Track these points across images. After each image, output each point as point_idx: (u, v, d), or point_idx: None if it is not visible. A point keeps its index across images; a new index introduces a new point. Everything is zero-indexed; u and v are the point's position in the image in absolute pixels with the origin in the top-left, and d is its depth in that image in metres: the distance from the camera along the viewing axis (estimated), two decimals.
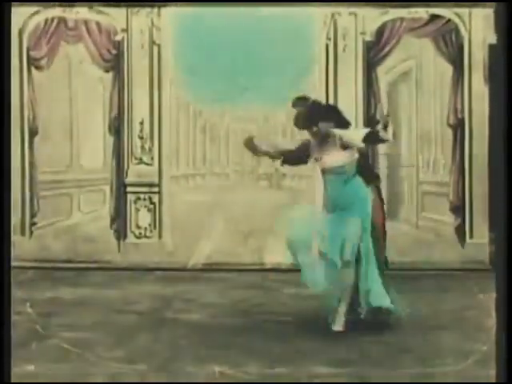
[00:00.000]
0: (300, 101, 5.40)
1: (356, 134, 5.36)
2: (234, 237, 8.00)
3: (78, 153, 8.14)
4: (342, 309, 5.33)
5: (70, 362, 4.63)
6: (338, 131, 5.28)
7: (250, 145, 5.53)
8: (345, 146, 5.25)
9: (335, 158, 5.29)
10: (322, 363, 4.57)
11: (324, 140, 5.32)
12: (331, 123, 5.30)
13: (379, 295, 5.33)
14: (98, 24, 8.02)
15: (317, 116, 5.32)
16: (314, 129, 5.32)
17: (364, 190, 5.38)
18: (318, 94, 8.03)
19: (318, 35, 8.00)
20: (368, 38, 7.99)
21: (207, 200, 8.07)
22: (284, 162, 5.62)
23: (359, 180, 5.37)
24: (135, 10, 7.99)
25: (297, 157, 5.54)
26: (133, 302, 6.30)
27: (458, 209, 7.98)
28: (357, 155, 5.38)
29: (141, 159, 8.05)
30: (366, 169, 5.54)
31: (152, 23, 7.99)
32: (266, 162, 8.22)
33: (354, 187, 5.35)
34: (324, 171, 5.36)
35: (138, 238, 8.05)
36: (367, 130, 5.42)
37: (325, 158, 5.30)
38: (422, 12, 7.96)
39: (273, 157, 5.63)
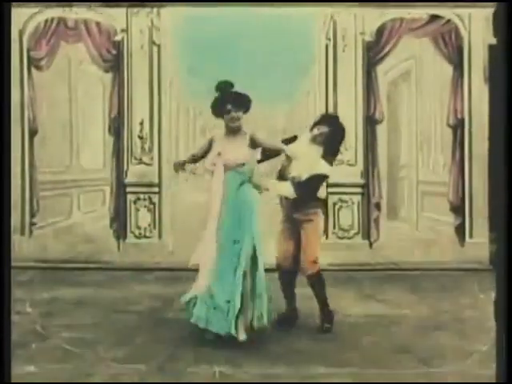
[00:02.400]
0: (222, 85, 5.30)
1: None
2: None
3: (77, 153, 8.14)
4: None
5: (70, 362, 4.63)
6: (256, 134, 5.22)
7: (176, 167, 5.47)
8: (254, 145, 5.19)
9: (239, 154, 5.18)
10: (321, 363, 4.59)
11: (233, 133, 5.22)
12: (243, 114, 5.22)
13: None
14: (97, 24, 8.02)
15: (231, 103, 5.18)
16: (233, 114, 5.17)
17: (256, 197, 5.25)
18: (318, 94, 8.06)
19: (317, 35, 8.00)
20: (368, 38, 7.99)
21: (207, 200, 8.05)
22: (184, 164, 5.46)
23: (253, 189, 5.26)
24: (135, 10, 7.99)
25: (200, 156, 5.40)
26: (133, 302, 6.30)
27: (457, 209, 7.99)
28: (258, 157, 5.34)
29: (141, 159, 8.05)
30: (329, 143, 5.39)
31: (152, 23, 7.99)
32: (266, 161, 8.23)
33: (247, 191, 5.21)
34: (225, 167, 5.18)
35: (137, 237, 8.05)
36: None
37: (229, 152, 5.18)
38: (421, 12, 7.96)
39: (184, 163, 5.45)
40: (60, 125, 8.05)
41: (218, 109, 5.26)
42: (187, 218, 8.01)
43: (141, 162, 8.05)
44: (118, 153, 8.07)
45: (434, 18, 7.97)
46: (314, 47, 8.04)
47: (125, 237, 8.05)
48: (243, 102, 5.22)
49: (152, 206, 8.06)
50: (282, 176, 5.48)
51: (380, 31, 8.01)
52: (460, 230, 7.97)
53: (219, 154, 5.16)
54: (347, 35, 7.99)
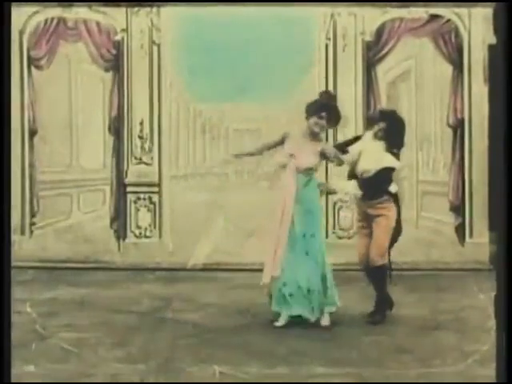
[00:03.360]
0: (327, 93, 5.90)
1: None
2: (234, 237, 8.00)
3: (77, 153, 8.14)
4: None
5: (70, 362, 4.63)
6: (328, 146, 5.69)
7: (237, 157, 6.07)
8: (323, 156, 5.57)
9: (310, 160, 5.53)
10: (321, 363, 4.59)
11: (311, 137, 5.55)
12: (327, 125, 5.61)
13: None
14: (97, 24, 8.02)
15: (327, 112, 5.51)
16: (316, 120, 5.50)
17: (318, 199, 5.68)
18: (317, 94, 8.05)
19: (317, 35, 8.00)
20: (368, 37, 7.99)
21: (207, 200, 8.07)
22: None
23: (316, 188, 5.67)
24: (135, 9, 7.99)
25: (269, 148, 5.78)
26: (133, 302, 6.30)
27: (457, 208, 7.99)
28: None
29: (141, 159, 8.05)
30: (391, 137, 5.66)
31: (152, 23, 7.99)
32: (266, 161, 8.23)
33: (313, 190, 5.60)
34: (296, 169, 5.52)
35: (137, 237, 8.05)
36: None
37: (302, 157, 5.52)
38: (421, 12, 7.96)
39: (252, 154, 5.90)
40: (60, 124, 8.05)
41: (314, 110, 5.54)
42: (187, 217, 8.01)
43: (141, 161, 8.05)
44: (118, 152, 8.07)
45: (434, 17, 7.97)
46: (314, 47, 8.04)
47: (125, 237, 8.05)
48: (336, 117, 5.56)
49: (152, 206, 8.06)
50: (351, 175, 5.75)
51: (380, 31, 8.01)
52: (460, 230, 7.97)
53: (292, 155, 5.51)
54: (347, 35, 8.00)
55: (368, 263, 5.71)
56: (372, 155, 5.61)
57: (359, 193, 5.67)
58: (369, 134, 5.75)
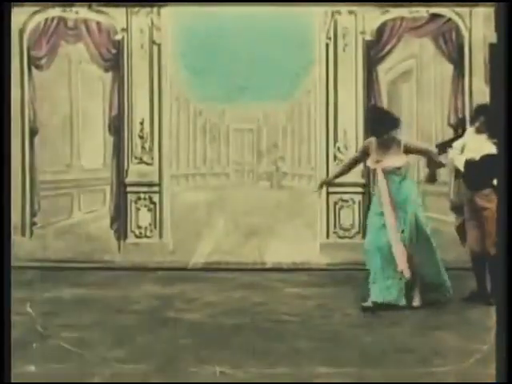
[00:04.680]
0: (372, 111, 6.77)
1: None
2: (235, 236, 8.00)
3: (78, 152, 8.14)
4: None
5: (70, 362, 4.63)
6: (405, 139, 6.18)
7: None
8: (409, 151, 6.13)
9: (396, 161, 6.08)
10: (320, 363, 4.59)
11: (388, 144, 6.09)
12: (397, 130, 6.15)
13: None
14: (97, 24, 8.02)
15: (385, 127, 6.11)
16: (385, 136, 6.09)
17: (415, 189, 6.27)
18: (318, 94, 8.05)
19: (318, 35, 7.99)
20: (368, 37, 7.99)
21: (207, 200, 8.07)
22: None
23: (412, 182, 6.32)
24: (135, 9, 7.99)
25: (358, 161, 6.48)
26: (133, 302, 6.29)
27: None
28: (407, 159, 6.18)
29: (141, 159, 8.05)
30: (492, 128, 6.03)
31: (152, 23, 7.99)
32: (266, 161, 8.23)
33: (406, 188, 6.13)
34: (384, 171, 6.07)
35: (138, 237, 8.05)
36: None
37: (386, 160, 6.07)
38: (422, 11, 7.95)
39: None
40: (60, 124, 8.05)
41: (374, 132, 6.20)
42: (187, 217, 8.01)
43: (141, 161, 8.05)
44: (118, 152, 8.07)
45: (435, 16, 7.96)
46: (315, 46, 8.04)
47: (125, 236, 8.05)
48: (394, 125, 6.14)
49: (152, 206, 8.05)
50: (456, 173, 6.37)
51: (380, 30, 8.00)
52: (461, 230, 7.95)
53: (378, 161, 6.09)
54: (348, 34, 7.99)
55: (482, 253, 6.19)
56: (476, 145, 6.08)
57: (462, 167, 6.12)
58: (471, 130, 6.29)
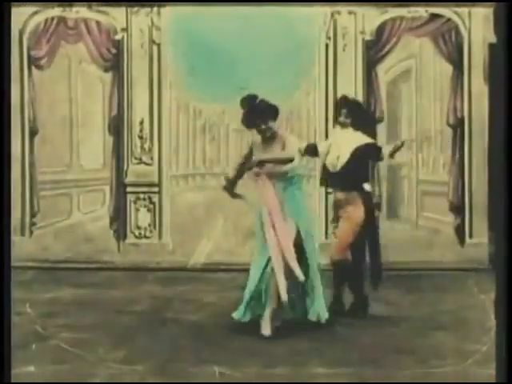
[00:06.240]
0: (246, 100, 5.38)
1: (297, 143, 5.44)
2: (234, 236, 8.00)
3: (77, 152, 8.14)
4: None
5: (70, 363, 4.63)
6: (287, 135, 5.37)
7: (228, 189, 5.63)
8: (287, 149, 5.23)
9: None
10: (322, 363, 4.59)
11: (270, 141, 5.30)
12: (274, 123, 5.31)
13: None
14: (97, 23, 8.02)
15: (262, 114, 5.29)
16: (263, 126, 5.27)
17: (303, 198, 5.39)
18: (317, 94, 8.05)
19: (318, 35, 8.00)
20: (368, 37, 7.99)
21: (207, 200, 8.06)
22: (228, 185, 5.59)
23: (298, 190, 5.37)
24: (135, 9, 7.98)
25: (243, 167, 5.50)
26: (133, 302, 6.29)
27: (457, 208, 7.98)
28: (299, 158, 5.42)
29: (141, 159, 8.05)
30: (361, 117, 5.74)
31: (152, 23, 7.99)
32: None
33: (297, 193, 5.34)
34: (268, 175, 5.27)
35: (137, 238, 8.05)
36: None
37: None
38: (421, 11, 7.96)
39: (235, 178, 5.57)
40: (60, 124, 8.05)
41: (248, 124, 5.34)
42: (187, 218, 8.01)
43: (141, 161, 8.05)
44: (117, 152, 8.07)
45: (434, 16, 7.97)
46: (314, 46, 8.04)
47: (125, 237, 8.05)
48: (270, 113, 5.30)
49: (152, 206, 8.05)
50: (324, 171, 5.78)
51: (380, 30, 8.00)
52: (460, 230, 7.96)
53: (260, 162, 5.24)
54: (347, 34, 7.99)
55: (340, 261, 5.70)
56: (344, 141, 5.65)
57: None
58: (336, 128, 5.84)
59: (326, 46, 8.01)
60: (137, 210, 8.04)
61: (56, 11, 7.99)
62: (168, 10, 7.99)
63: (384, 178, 8.04)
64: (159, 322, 5.63)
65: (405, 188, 8.18)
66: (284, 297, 5.09)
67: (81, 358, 4.73)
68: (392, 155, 5.74)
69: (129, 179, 8.04)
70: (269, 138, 5.31)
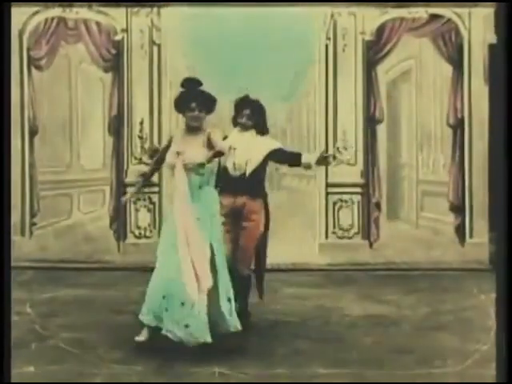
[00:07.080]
0: (190, 81, 5.05)
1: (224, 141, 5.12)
2: None
3: (78, 152, 8.14)
4: None
5: (70, 363, 4.63)
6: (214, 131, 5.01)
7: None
8: (210, 145, 4.90)
9: (198, 154, 4.89)
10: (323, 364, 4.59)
11: (194, 132, 4.99)
12: (206, 116, 5.02)
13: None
14: (97, 24, 8.02)
15: (201, 100, 4.97)
16: (196, 112, 4.95)
17: (216, 204, 5.04)
18: (317, 94, 8.05)
19: (317, 35, 8.00)
20: (368, 37, 7.99)
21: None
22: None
23: (213, 191, 5.09)
24: (135, 9, 7.99)
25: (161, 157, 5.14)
26: (133, 302, 6.29)
27: (457, 208, 7.99)
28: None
29: (141, 159, 8.05)
30: (264, 121, 5.41)
31: (152, 23, 7.99)
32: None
33: (208, 196, 5.01)
34: (185, 167, 4.88)
35: (137, 238, 8.05)
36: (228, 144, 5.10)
37: (187, 152, 4.89)
38: (421, 12, 7.96)
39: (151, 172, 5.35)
40: (60, 124, 8.05)
41: (182, 105, 5.02)
42: None
43: (141, 161, 8.05)
44: (117, 152, 8.07)
45: (434, 17, 7.97)
46: (314, 47, 8.04)
47: (125, 237, 8.05)
48: (208, 103, 5.01)
49: (152, 206, 8.05)
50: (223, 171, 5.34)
51: (380, 31, 8.01)
52: (460, 230, 7.97)
53: (178, 153, 4.88)
54: (347, 35, 8.00)
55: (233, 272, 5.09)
56: (252, 145, 5.30)
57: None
58: (234, 130, 5.41)
59: (326, 46, 8.02)
60: (137, 210, 8.04)
61: (56, 11, 8.00)
62: (168, 11, 8.00)
63: (384, 178, 8.04)
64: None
65: (405, 188, 8.19)
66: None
67: (80, 357, 4.73)
68: (321, 163, 5.36)
69: (129, 179, 8.04)
70: (193, 128, 4.99)
